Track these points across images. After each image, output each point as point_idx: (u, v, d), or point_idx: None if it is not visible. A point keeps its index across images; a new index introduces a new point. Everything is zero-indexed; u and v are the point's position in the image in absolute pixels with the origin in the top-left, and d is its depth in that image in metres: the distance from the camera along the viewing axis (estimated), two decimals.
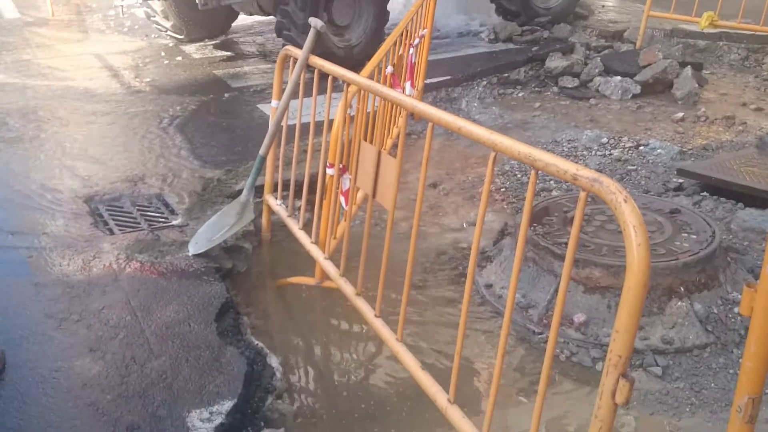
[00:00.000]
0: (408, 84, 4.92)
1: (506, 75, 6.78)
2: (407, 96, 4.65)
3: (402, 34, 4.59)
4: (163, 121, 5.42)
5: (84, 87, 6.15)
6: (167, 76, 6.59)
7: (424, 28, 5.23)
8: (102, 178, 4.28)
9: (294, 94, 3.65)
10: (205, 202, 4.05)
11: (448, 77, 6.51)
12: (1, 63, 6.78)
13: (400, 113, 4.49)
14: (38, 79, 6.33)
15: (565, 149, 5.07)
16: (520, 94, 6.43)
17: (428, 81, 5.90)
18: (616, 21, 8.45)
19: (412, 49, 4.87)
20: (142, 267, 3.24)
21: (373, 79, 4.01)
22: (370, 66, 4.04)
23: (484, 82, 6.61)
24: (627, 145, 5.03)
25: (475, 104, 6.18)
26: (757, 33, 7.16)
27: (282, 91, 3.78)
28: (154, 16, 7.39)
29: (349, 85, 3.19)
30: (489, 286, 3.39)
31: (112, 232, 3.65)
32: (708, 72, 6.78)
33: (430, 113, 2.42)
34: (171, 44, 7.64)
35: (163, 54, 7.30)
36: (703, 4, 7.09)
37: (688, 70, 6.23)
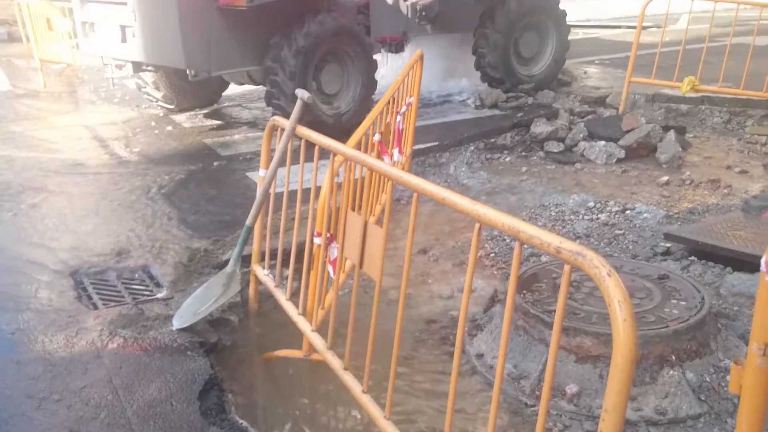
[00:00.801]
0: (396, 150, 4.96)
1: (493, 140, 6.87)
2: (392, 166, 4.70)
3: (389, 102, 4.66)
4: (152, 191, 5.42)
5: (73, 158, 6.17)
6: (157, 146, 6.64)
7: (411, 96, 5.31)
8: (88, 251, 4.24)
9: (282, 162, 3.68)
10: (192, 273, 4.01)
11: (436, 143, 6.59)
12: None
13: (387, 181, 4.51)
14: (28, 151, 6.36)
15: (553, 213, 5.08)
16: (507, 159, 6.50)
17: (417, 147, 5.95)
18: (598, 87, 8.63)
19: (399, 117, 4.93)
20: (124, 343, 3.18)
21: (360, 147, 4.06)
22: (357, 134, 4.07)
23: (472, 147, 6.68)
24: (614, 209, 5.05)
25: (464, 169, 6.23)
26: (738, 96, 7.33)
27: (270, 160, 3.81)
28: (145, 87, 7.49)
29: (335, 154, 3.22)
30: (480, 355, 3.34)
31: (95, 307, 3.60)
32: (691, 135, 6.88)
33: (415, 183, 2.43)
34: (161, 114, 7.72)
35: (153, 124, 7.37)
36: (684, 69, 7.27)
37: (672, 134, 6.33)
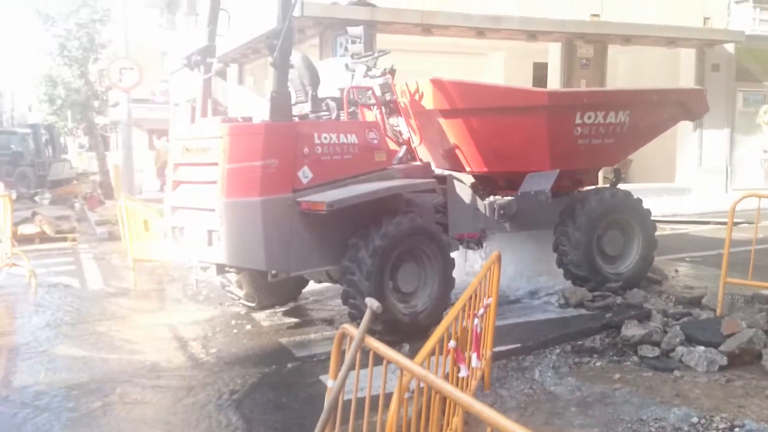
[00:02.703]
0: (474, 355, 4.71)
1: (581, 342, 6.47)
2: (469, 375, 4.42)
3: (467, 303, 4.50)
4: (222, 397, 5.30)
5: (151, 361, 6.18)
6: (234, 347, 6.61)
7: (489, 297, 5.14)
8: None
9: (351, 366, 3.53)
10: None
11: (519, 345, 6.27)
12: (76, 336, 6.99)
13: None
14: (108, 353, 6.43)
15: (653, 430, 4.60)
16: (597, 364, 6.07)
17: (497, 349, 5.67)
18: (691, 286, 8.21)
19: (476, 320, 4.74)
20: None
21: (434, 354, 3.86)
22: (430, 343, 3.87)
23: (558, 350, 6.31)
24: (720, 426, 4.52)
25: (549, 374, 5.84)
26: None
27: (339, 369, 3.67)
28: (229, 286, 7.65)
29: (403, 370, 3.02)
30: None
31: None
32: None
33: (488, 416, 2.18)
34: (243, 312, 7.80)
35: (233, 322, 7.42)
36: None
37: None
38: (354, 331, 3.62)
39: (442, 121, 7.98)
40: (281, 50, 6.02)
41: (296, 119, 6.52)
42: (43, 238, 13.18)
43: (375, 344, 3.38)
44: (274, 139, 5.99)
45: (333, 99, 7.01)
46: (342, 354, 3.74)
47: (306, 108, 6.91)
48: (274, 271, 6.24)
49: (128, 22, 15.58)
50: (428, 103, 7.75)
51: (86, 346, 6.63)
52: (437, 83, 7.64)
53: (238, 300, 7.79)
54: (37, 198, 21.66)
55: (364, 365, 3.53)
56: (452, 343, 4.20)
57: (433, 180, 7.17)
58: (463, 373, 4.34)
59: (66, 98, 22.69)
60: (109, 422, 4.76)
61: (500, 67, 19.79)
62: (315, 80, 6.92)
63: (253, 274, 7.27)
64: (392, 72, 7.65)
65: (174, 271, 9.91)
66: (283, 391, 5.43)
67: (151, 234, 9.56)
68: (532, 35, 16.36)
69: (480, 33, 16.05)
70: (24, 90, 42.52)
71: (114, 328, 7.28)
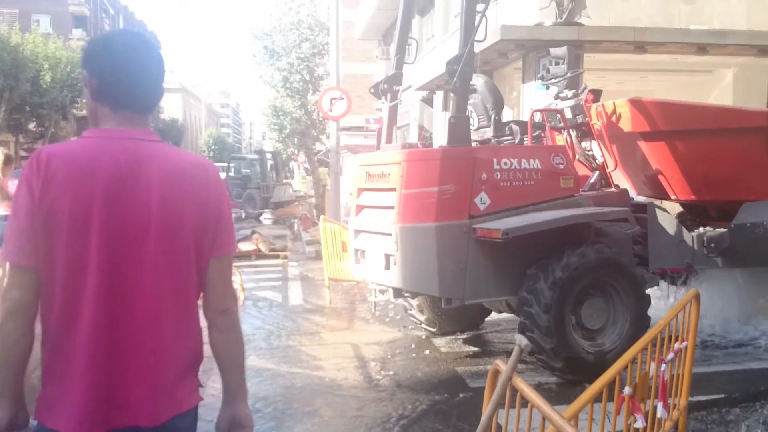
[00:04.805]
0: (660, 405, 4.22)
1: None
2: (647, 428, 3.95)
3: (649, 346, 4.05)
4: (390, 420, 5.29)
5: (330, 378, 6.36)
6: (410, 371, 6.60)
7: (683, 341, 4.60)
8: None
9: (498, 404, 3.33)
10: None
11: (723, 395, 5.61)
12: (268, 348, 7.43)
13: None
14: (294, 366, 6.74)
15: None
16: None
17: (696, 398, 5.07)
18: None
19: (664, 365, 4.24)
20: None
21: (601, 399, 3.50)
22: (592, 389, 3.51)
23: None
24: None
25: (759, 431, 5.09)
26: None
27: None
28: (411, 309, 7.69)
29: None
30: None
31: None
32: None
33: None
34: (424, 336, 7.79)
35: (413, 346, 7.43)
36: None
37: None
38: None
39: (642, 144, 7.41)
40: (461, 75, 5.96)
41: (476, 144, 6.40)
42: (259, 255, 14.32)
43: (521, 385, 3.14)
44: (451, 165, 5.93)
45: (517, 123, 6.80)
46: None
47: (488, 133, 6.77)
48: (446, 299, 6.15)
49: (340, 54, 16.50)
50: (626, 125, 7.23)
51: (275, 359, 7.01)
52: (636, 103, 7.12)
53: (420, 324, 7.80)
54: (262, 218, 23.72)
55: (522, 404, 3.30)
56: (627, 390, 3.79)
57: (625, 209, 6.61)
58: (639, 424, 3.89)
59: (290, 127, 24.64)
60: None
61: (729, 86, 17.96)
62: (498, 104, 6.77)
63: (433, 299, 7.23)
64: (596, 93, 7.26)
65: (367, 291, 10.20)
66: (450, 422, 5.29)
67: (348, 255, 9.94)
68: (763, 50, 14.65)
69: (701, 49, 14.69)
70: (259, 120, 47.06)
71: (304, 343, 7.64)
